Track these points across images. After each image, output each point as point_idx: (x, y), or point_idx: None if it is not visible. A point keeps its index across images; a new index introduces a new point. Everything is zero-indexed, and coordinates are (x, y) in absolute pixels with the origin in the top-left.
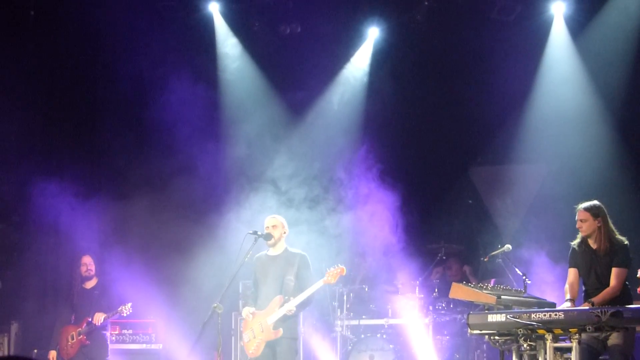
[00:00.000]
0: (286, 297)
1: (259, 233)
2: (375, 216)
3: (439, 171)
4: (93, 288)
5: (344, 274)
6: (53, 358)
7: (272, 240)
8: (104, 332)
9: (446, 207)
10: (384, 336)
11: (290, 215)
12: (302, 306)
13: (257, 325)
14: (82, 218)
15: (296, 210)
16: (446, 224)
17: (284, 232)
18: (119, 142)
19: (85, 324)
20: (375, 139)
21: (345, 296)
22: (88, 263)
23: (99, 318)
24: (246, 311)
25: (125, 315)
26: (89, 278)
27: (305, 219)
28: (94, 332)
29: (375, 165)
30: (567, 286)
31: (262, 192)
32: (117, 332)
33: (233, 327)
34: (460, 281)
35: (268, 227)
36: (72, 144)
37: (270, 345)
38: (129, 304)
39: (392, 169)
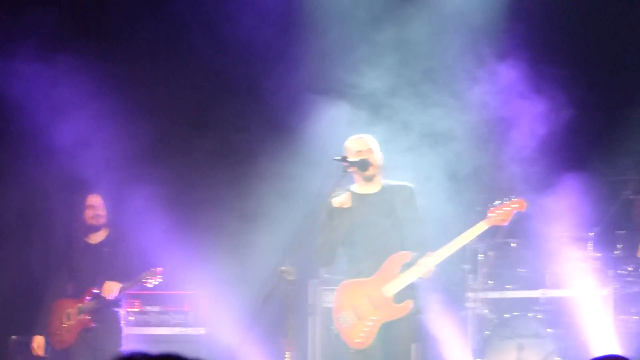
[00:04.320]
0: (414, 253)
1: (351, 159)
2: (524, 133)
3: (624, 62)
4: (101, 244)
5: (525, 209)
6: (39, 346)
7: (372, 170)
8: (117, 309)
9: (636, 118)
10: (539, 316)
11: (382, 135)
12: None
13: (364, 300)
14: (91, 134)
15: (393, 127)
16: (636, 145)
17: (381, 158)
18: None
19: (89, 297)
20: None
21: (481, 255)
22: (96, 205)
23: (110, 289)
24: (342, 196)
25: (151, 285)
26: (97, 228)
27: (410, 142)
28: (103, 310)
29: (522, 55)
30: None
31: (347, 106)
32: (136, 311)
33: (310, 301)
34: None
35: (360, 151)
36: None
37: (384, 328)
38: (158, 269)
39: (550, 58)
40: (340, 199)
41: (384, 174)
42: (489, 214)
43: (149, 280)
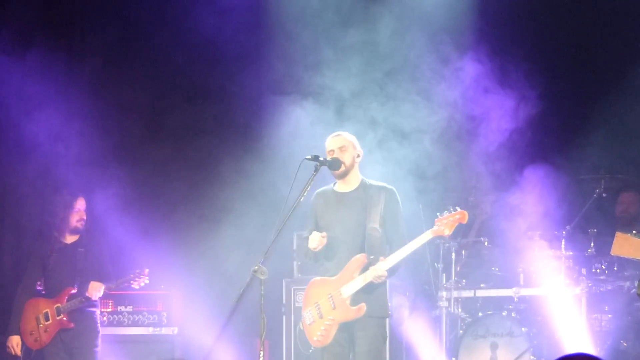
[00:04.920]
0: (372, 256)
1: (322, 158)
2: (492, 130)
3: (596, 60)
4: (76, 244)
5: (465, 221)
6: (18, 345)
7: (342, 169)
8: (93, 309)
9: (607, 117)
10: (513, 314)
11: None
12: (394, 270)
13: (326, 299)
14: (59, 131)
15: (359, 127)
16: (607, 143)
17: (357, 156)
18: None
19: (67, 297)
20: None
21: (453, 254)
22: (82, 209)
23: (96, 289)
24: (315, 238)
25: (137, 287)
26: (79, 231)
27: (377, 141)
28: (79, 310)
29: (490, 52)
30: None
31: (312, 107)
32: (109, 310)
33: (284, 301)
34: (629, 229)
35: (333, 150)
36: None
37: (347, 329)
38: (145, 270)
39: (520, 55)
40: (315, 242)
41: (362, 172)
42: (436, 223)
43: (136, 281)
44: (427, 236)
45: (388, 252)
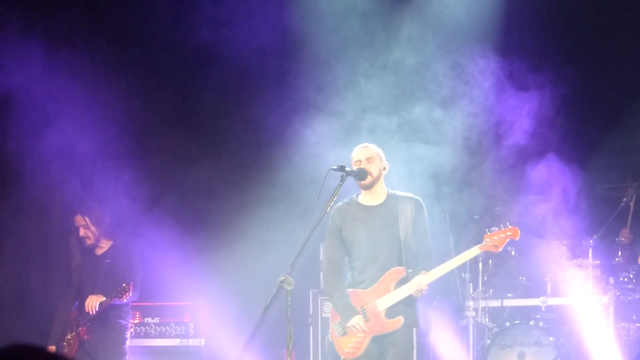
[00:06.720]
0: (410, 270)
1: (348, 169)
2: (518, 138)
3: (621, 67)
4: (104, 255)
5: (517, 238)
6: None
7: (369, 180)
8: (120, 320)
9: (632, 123)
10: (541, 324)
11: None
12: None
13: (359, 311)
14: (86, 139)
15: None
16: (633, 150)
17: (384, 169)
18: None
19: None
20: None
21: (480, 264)
22: (80, 226)
23: (92, 303)
24: (357, 324)
25: (125, 300)
26: (90, 247)
27: (401, 149)
28: (100, 322)
29: (511, 56)
30: None
31: (325, 123)
32: (136, 322)
33: (311, 312)
34: None
35: (360, 160)
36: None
37: (379, 340)
38: (130, 284)
39: (543, 61)
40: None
41: (389, 184)
42: (485, 239)
43: (123, 295)
44: (474, 252)
45: (415, 264)
